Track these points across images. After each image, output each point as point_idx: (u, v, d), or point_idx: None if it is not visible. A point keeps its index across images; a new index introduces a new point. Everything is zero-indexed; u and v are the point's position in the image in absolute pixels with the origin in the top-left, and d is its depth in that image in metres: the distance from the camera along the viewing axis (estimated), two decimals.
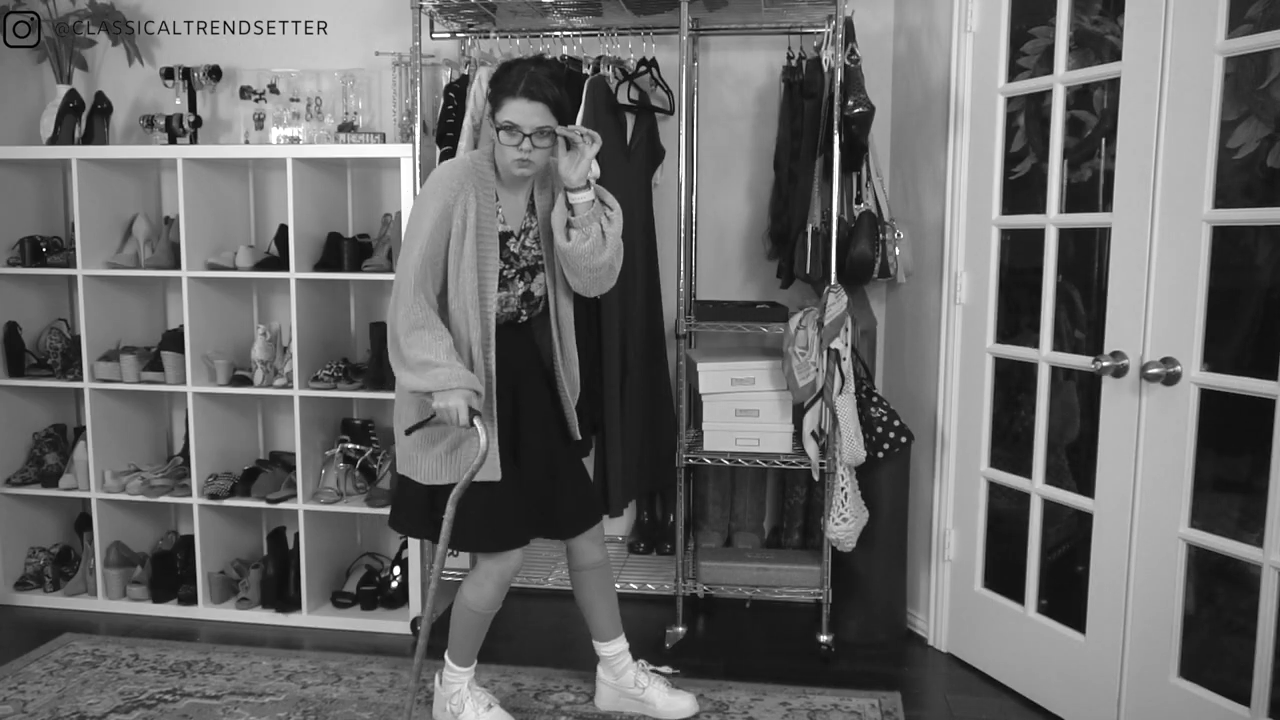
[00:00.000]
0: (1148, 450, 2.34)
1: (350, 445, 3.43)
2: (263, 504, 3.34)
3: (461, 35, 3.37)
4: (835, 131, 2.88)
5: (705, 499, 3.54)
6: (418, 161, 3.12)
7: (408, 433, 2.34)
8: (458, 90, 3.25)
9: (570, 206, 2.33)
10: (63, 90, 3.47)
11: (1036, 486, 2.68)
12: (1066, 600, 2.66)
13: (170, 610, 3.41)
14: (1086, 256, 2.94)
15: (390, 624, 3.27)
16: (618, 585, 2.82)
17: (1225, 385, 2.19)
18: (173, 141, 3.47)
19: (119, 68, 3.67)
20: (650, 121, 3.29)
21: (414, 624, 3.23)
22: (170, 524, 3.74)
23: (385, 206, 3.60)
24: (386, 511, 3.25)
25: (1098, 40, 2.73)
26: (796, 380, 2.97)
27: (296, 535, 3.35)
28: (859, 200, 3.07)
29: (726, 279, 3.56)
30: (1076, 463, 2.84)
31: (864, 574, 3.12)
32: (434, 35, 3.36)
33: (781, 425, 3.12)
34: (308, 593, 3.32)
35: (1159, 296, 2.28)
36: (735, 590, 3.25)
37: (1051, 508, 2.71)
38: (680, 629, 3.15)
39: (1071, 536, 2.86)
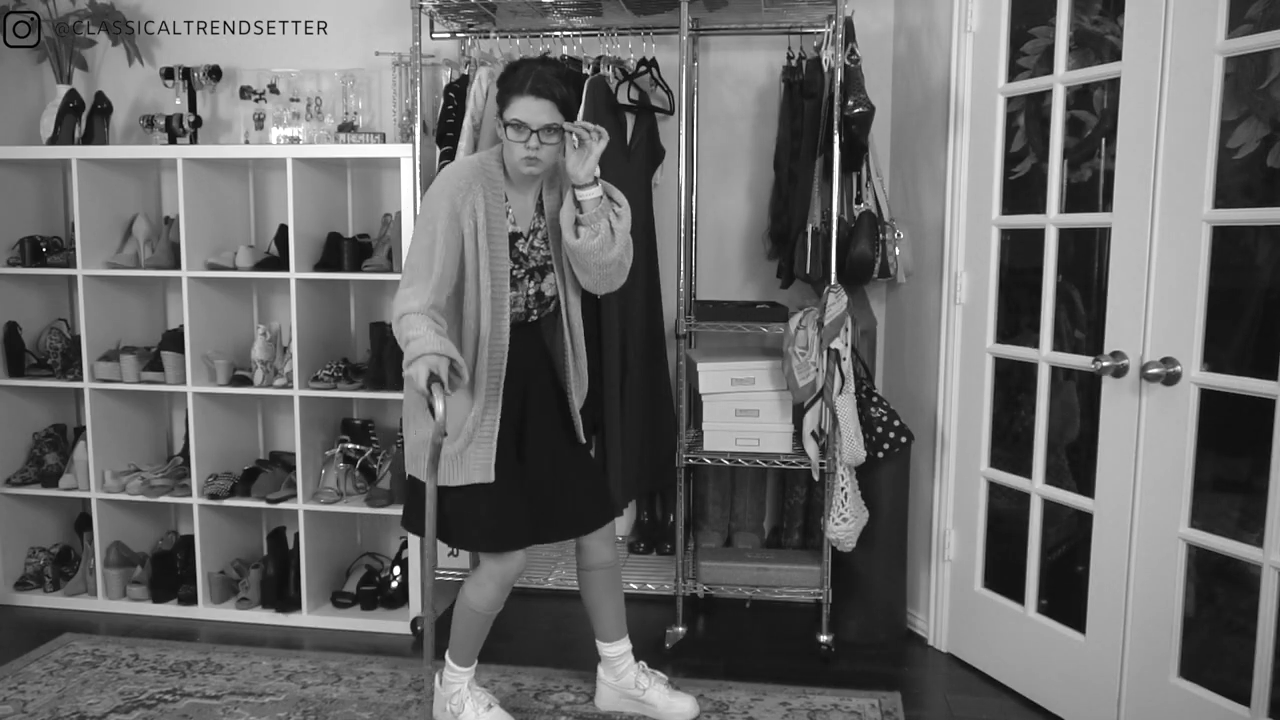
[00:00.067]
0: (1148, 450, 2.34)
1: (350, 445, 3.43)
2: (263, 504, 3.34)
3: (461, 35, 3.37)
4: (835, 131, 2.88)
5: (705, 499, 3.54)
6: (418, 161, 3.12)
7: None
8: (458, 90, 3.25)
9: (578, 203, 2.33)
10: (63, 90, 3.47)
11: (1036, 486, 2.68)
12: (1066, 600, 2.66)
13: (170, 610, 3.42)
14: (1086, 256, 2.94)
15: (390, 624, 3.27)
16: None
17: (1225, 385, 2.19)
18: (173, 141, 3.47)
19: (119, 68, 3.67)
20: (650, 121, 3.29)
21: (414, 624, 3.23)
22: (170, 524, 3.74)
23: (385, 206, 3.60)
24: (386, 511, 3.27)
25: (1098, 40, 2.73)
26: (796, 380, 2.97)
27: (296, 535, 3.35)
28: (859, 200, 3.07)
29: (726, 279, 3.56)
30: (1076, 463, 2.84)
31: (864, 574, 3.12)
32: (434, 35, 3.36)
33: (781, 425, 3.12)
34: (308, 593, 3.32)
35: (1159, 296, 2.28)
36: (735, 590, 3.25)
37: (1051, 508, 2.71)
38: (680, 629, 3.15)
39: (1071, 536, 2.86)
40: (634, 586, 3.25)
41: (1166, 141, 2.25)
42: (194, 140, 3.49)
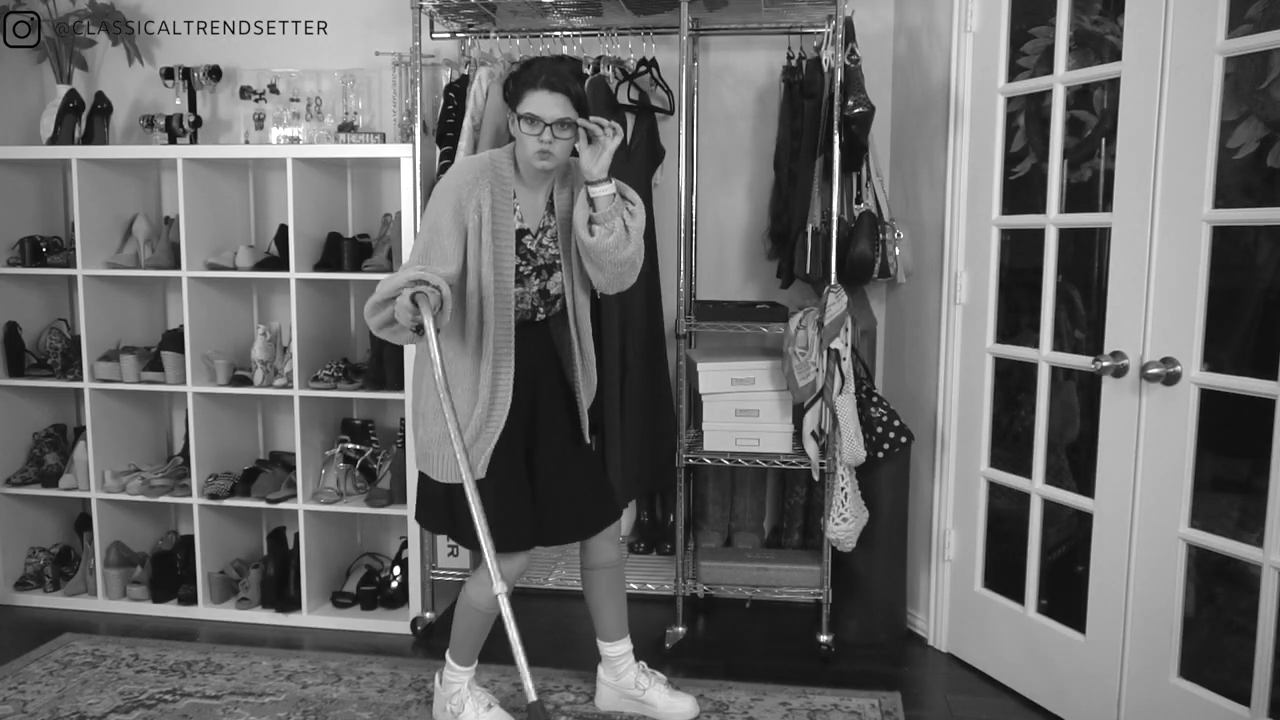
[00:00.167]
0: (1148, 450, 2.34)
1: (350, 445, 3.43)
2: (263, 504, 3.34)
3: (461, 35, 3.37)
4: (835, 131, 2.88)
5: (705, 499, 3.54)
6: (418, 161, 3.12)
7: None
8: (458, 90, 3.25)
9: (591, 201, 2.32)
10: (63, 90, 3.47)
11: (1036, 486, 2.68)
12: (1066, 600, 2.66)
13: (170, 610, 3.41)
14: (1086, 256, 2.93)
15: (390, 624, 3.27)
16: None
17: (1225, 385, 2.19)
18: (173, 141, 3.47)
19: (119, 68, 3.67)
20: (650, 121, 3.29)
21: (414, 624, 3.23)
22: (170, 524, 3.74)
23: (385, 206, 3.60)
24: (386, 511, 3.28)
25: (1098, 40, 2.73)
26: (796, 380, 2.97)
27: (296, 535, 3.35)
28: (859, 200, 3.07)
29: (726, 279, 3.56)
30: (1076, 463, 2.84)
31: (864, 574, 3.12)
32: (434, 35, 3.36)
33: (781, 425, 3.12)
34: (308, 593, 3.32)
35: (1159, 296, 2.28)
36: (735, 590, 3.25)
37: (1051, 508, 2.71)
38: (680, 629, 3.15)
39: (1071, 536, 2.86)
40: (634, 586, 3.25)
41: (1166, 141, 2.25)
42: (194, 140, 3.49)
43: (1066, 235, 2.66)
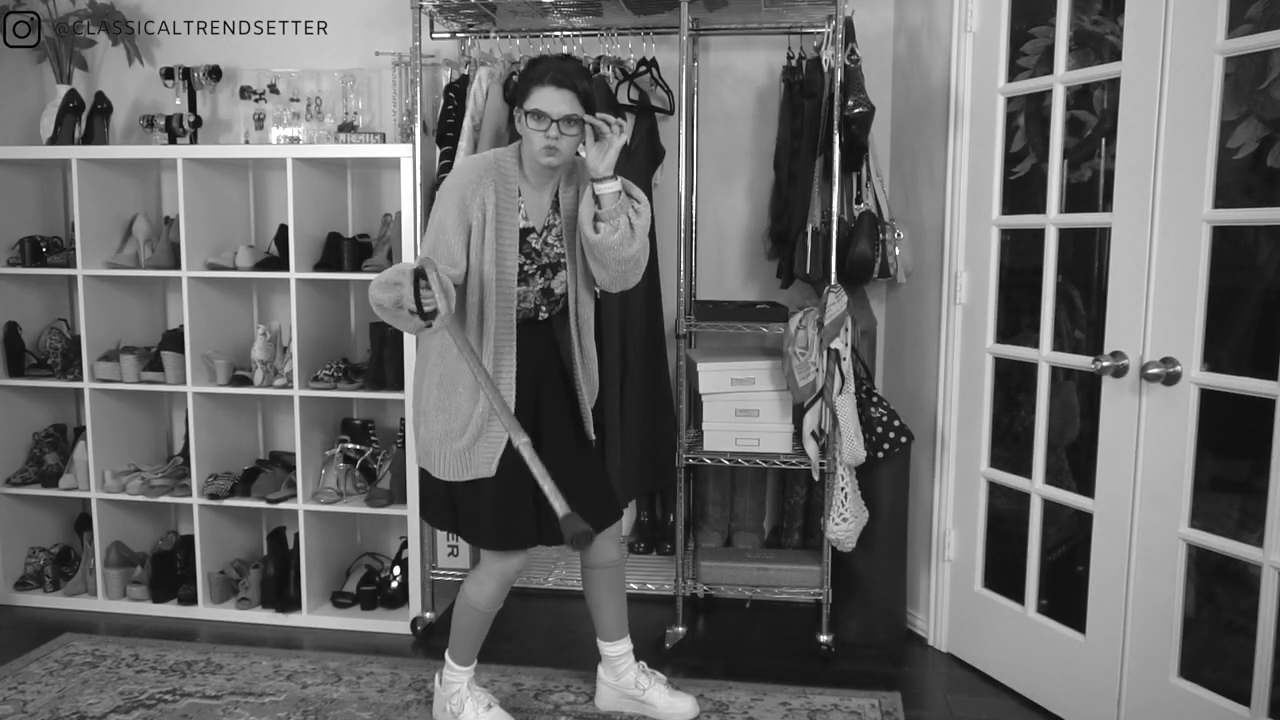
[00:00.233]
0: (1148, 450, 2.34)
1: (350, 445, 3.43)
2: (263, 504, 3.34)
3: (461, 35, 3.37)
4: (835, 131, 2.88)
5: (705, 499, 3.54)
6: (418, 161, 3.12)
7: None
8: (458, 90, 3.25)
9: (597, 198, 2.32)
10: (63, 90, 3.47)
11: (1036, 486, 2.68)
12: (1066, 600, 2.66)
13: (170, 610, 3.41)
14: (1086, 256, 2.94)
15: (390, 624, 3.27)
16: None
17: (1225, 385, 2.19)
18: (173, 141, 3.47)
19: (119, 68, 3.67)
20: (650, 121, 3.29)
21: (414, 624, 3.23)
22: (170, 524, 3.74)
23: (385, 206, 3.60)
24: (386, 511, 3.28)
25: (1098, 40, 2.73)
26: (796, 380, 2.97)
27: (296, 535, 3.35)
28: (859, 200, 3.07)
29: (726, 279, 3.56)
30: (1076, 463, 2.84)
31: (864, 574, 3.12)
32: (434, 35, 3.36)
33: (781, 425, 3.12)
34: (308, 593, 3.32)
35: (1159, 296, 2.28)
36: (735, 590, 3.25)
37: (1051, 508, 2.71)
38: (680, 629, 3.15)
39: (1071, 536, 2.86)
40: (634, 586, 3.24)
41: (1166, 141, 2.25)
42: (194, 140, 3.49)
43: (1066, 235, 2.66)
